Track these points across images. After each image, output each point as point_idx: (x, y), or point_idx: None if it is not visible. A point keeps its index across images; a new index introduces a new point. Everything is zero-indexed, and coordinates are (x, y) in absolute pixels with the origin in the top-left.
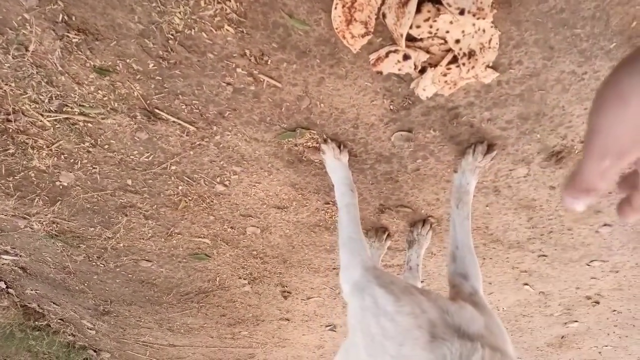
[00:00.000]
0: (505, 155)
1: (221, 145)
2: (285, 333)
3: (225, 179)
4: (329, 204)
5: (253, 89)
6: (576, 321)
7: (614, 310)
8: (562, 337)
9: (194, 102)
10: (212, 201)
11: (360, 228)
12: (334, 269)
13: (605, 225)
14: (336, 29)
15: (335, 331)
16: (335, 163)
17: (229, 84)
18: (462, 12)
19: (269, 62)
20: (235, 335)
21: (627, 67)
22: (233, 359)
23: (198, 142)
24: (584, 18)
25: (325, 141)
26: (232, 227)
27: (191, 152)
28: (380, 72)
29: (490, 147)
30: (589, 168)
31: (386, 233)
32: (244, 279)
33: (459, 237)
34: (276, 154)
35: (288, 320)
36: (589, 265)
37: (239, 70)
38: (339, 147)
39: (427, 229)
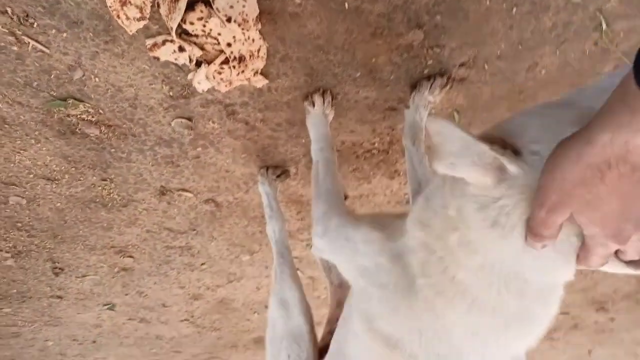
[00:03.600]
0: (277, 154)
1: None
2: (58, 311)
3: None
4: (106, 180)
5: (16, 49)
6: None
7: None
8: None
9: None
10: None
11: (338, 183)
12: (112, 247)
13: None
14: (110, 7)
15: (114, 310)
16: (319, 118)
17: None
18: (229, 20)
19: (34, 25)
20: None
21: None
22: None
23: None
24: (335, 47)
25: (320, 93)
26: None
27: None
28: (158, 58)
29: None
30: (540, 216)
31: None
32: (6, 252)
33: (421, 173)
34: (45, 122)
35: (60, 298)
36: None
37: None
38: (328, 101)
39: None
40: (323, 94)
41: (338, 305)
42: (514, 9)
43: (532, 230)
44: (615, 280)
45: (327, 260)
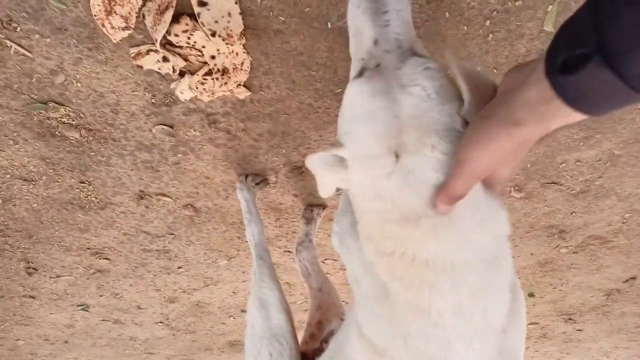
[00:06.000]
0: (258, 163)
1: None
2: (30, 311)
3: None
4: (85, 183)
5: None
6: None
7: None
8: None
9: None
10: None
11: None
12: (88, 248)
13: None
14: (95, 16)
15: (87, 311)
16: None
17: None
18: (213, 34)
19: (17, 30)
20: None
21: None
22: None
23: None
24: (317, 64)
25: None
26: None
27: None
28: (141, 67)
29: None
30: (460, 184)
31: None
32: None
33: None
34: (24, 124)
35: (33, 297)
36: (324, 263)
37: None
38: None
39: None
40: None
41: (317, 308)
42: (490, 36)
43: (447, 197)
44: (583, 293)
45: (307, 265)
